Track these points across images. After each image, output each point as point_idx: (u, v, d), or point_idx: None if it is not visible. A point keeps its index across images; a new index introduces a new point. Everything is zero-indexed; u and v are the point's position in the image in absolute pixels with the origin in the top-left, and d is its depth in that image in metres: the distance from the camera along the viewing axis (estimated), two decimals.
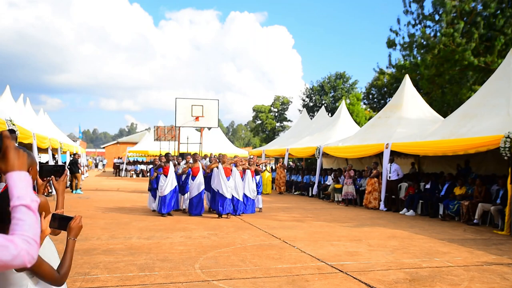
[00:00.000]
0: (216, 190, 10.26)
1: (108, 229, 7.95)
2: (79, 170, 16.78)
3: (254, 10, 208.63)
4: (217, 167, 10.34)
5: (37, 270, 1.73)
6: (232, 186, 10.32)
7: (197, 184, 10.45)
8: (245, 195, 10.91)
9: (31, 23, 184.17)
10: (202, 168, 10.74)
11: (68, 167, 16.03)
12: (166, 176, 10.29)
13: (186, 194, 11.07)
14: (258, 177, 11.67)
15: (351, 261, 5.87)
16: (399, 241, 7.50)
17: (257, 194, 11.36)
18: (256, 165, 11.75)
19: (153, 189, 10.93)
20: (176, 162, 11.21)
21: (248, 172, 11.11)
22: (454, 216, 10.49)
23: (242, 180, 10.83)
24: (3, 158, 1.34)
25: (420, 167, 15.74)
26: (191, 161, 10.81)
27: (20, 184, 1.32)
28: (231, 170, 10.49)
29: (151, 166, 13.21)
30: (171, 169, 10.37)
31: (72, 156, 18.04)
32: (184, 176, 11.07)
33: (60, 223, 1.99)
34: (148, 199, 11.46)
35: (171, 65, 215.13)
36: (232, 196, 10.37)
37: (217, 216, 10.25)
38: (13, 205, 1.28)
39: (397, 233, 8.34)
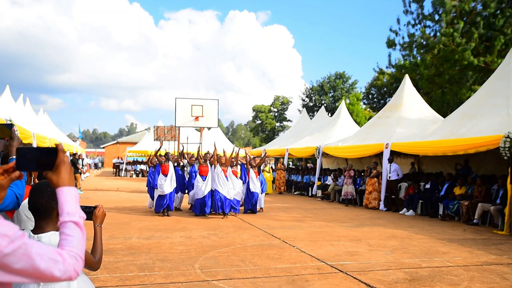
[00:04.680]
0: (214, 190, 10.23)
1: (108, 229, 7.93)
2: (79, 171, 16.78)
3: (254, 10, 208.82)
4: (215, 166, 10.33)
5: None
6: (230, 185, 10.30)
7: (205, 185, 10.26)
8: (250, 191, 10.91)
9: (32, 22, 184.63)
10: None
11: None
12: (165, 175, 10.21)
13: (190, 192, 11.00)
14: (260, 176, 11.70)
15: (351, 261, 5.87)
16: (399, 241, 7.51)
17: (261, 192, 11.35)
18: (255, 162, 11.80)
19: (149, 186, 11.05)
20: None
21: (251, 171, 11.14)
22: (454, 216, 10.49)
23: (241, 179, 10.84)
24: (56, 171, 1.38)
25: (420, 167, 15.73)
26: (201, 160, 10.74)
27: (71, 200, 1.37)
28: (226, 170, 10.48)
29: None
30: (171, 168, 10.32)
31: (72, 156, 18.04)
32: (188, 176, 11.07)
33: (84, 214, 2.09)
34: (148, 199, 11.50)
35: (171, 65, 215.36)
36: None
37: (221, 216, 10.20)
38: (62, 220, 1.33)
39: (397, 233, 8.35)
